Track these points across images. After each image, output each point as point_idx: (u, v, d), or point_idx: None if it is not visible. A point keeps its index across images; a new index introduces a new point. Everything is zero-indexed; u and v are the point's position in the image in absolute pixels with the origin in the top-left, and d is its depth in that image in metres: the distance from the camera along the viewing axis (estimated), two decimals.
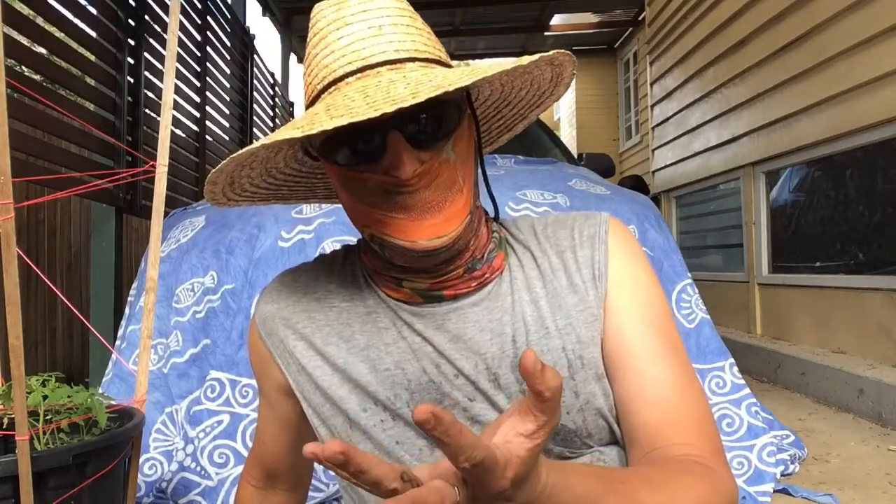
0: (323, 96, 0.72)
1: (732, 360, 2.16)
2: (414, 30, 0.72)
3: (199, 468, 1.86)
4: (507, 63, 0.66)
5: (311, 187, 0.90)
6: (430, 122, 0.69)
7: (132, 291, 2.25)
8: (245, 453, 1.85)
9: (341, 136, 0.70)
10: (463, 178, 0.72)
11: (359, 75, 0.69)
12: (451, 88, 0.60)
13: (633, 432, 0.74)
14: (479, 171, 0.84)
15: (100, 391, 1.51)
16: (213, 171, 0.74)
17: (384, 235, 0.72)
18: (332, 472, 1.77)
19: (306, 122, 0.64)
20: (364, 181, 0.71)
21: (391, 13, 0.72)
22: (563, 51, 0.71)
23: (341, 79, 0.70)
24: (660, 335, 0.76)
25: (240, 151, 0.70)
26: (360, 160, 0.70)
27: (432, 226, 0.70)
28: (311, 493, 1.18)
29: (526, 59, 0.66)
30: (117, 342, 2.18)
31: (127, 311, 2.23)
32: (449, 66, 0.75)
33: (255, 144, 0.68)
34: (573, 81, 0.79)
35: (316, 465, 1.32)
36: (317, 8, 0.74)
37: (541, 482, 0.52)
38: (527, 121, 0.87)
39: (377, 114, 0.59)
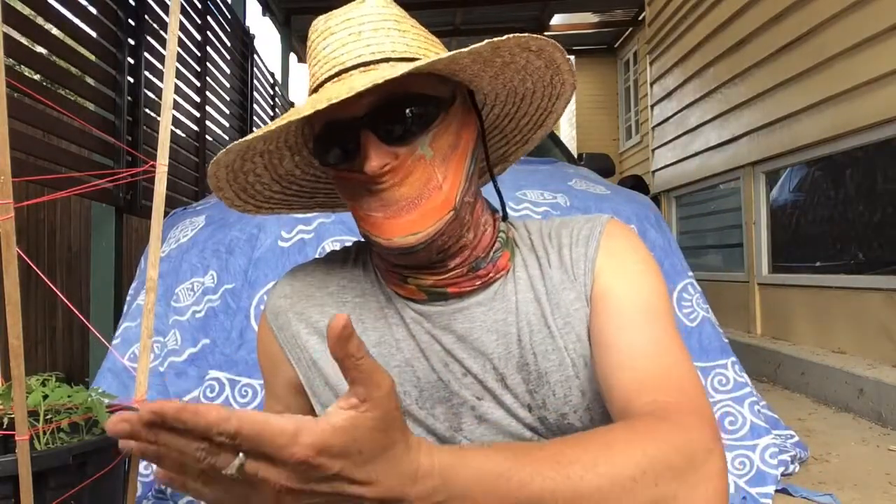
0: None
1: (735, 358, 2.15)
2: (396, 32, 0.73)
3: None
4: (466, 49, 0.66)
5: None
6: (403, 118, 0.70)
7: (130, 290, 2.24)
8: None
9: (326, 139, 0.72)
10: (443, 176, 0.72)
11: (335, 79, 0.71)
12: (391, 77, 0.62)
13: (609, 403, 0.70)
14: (484, 173, 0.85)
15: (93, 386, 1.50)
16: (211, 163, 0.75)
17: (367, 233, 0.74)
18: None
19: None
20: (350, 180, 0.73)
21: (373, 18, 0.73)
22: (535, 35, 0.69)
23: (322, 84, 0.72)
24: (644, 311, 0.73)
25: (230, 146, 0.72)
26: (343, 160, 0.73)
27: (407, 223, 0.70)
28: None
29: (485, 42, 0.67)
30: (113, 339, 2.17)
31: (125, 308, 2.23)
32: None
33: (238, 142, 0.71)
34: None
35: None
36: (313, 24, 0.76)
37: (420, 464, 0.49)
38: (544, 128, 0.85)
39: (323, 106, 0.62)
